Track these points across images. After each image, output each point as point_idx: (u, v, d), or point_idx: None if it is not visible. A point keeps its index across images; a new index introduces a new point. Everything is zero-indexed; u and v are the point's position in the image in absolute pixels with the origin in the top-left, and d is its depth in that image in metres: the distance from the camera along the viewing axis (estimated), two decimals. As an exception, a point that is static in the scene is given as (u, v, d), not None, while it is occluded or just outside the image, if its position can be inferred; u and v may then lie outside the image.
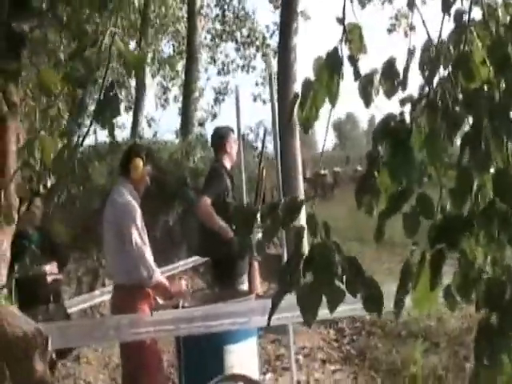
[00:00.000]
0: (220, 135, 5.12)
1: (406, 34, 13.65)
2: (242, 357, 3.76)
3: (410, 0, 1.69)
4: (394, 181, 1.55)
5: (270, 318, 1.62)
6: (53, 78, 2.20)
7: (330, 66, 1.61)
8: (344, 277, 1.50)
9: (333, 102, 1.64)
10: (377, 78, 1.64)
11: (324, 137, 1.73)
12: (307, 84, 1.65)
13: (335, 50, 1.62)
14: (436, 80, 1.59)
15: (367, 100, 1.65)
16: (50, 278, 4.59)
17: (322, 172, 23.19)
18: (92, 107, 2.56)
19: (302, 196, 8.69)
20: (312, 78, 1.64)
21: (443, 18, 1.61)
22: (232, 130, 5.20)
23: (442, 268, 1.53)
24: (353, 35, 1.63)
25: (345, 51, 1.63)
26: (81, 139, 2.48)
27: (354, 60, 1.64)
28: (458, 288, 1.55)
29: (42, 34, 2.61)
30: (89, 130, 2.36)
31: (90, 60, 2.20)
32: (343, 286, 1.50)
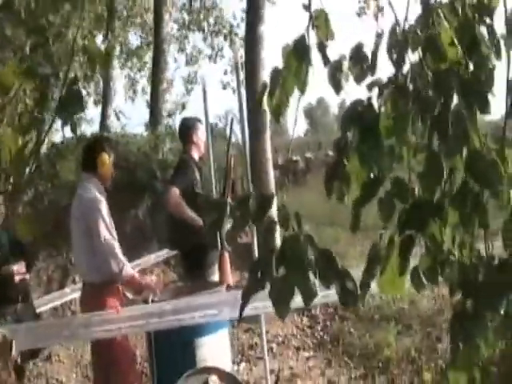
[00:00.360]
0: (187, 126, 5.06)
1: (376, 18, 13.62)
2: (214, 349, 3.72)
3: None
4: (364, 167, 1.53)
5: (240, 314, 1.59)
6: (10, 78, 2.11)
7: (297, 53, 1.59)
8: (317, 269, 1.46)
9: (302, 90, 1.62)
10: (345, 64, 1.61)
11: (294, 123, 1.70)
12: (276, 72, 1.62)
13: (302, 36, 1.59)
14: (405, 63, 1.56)
15: (337, 87, 1.62)
16: (17, 278, 4.48)
17: (294, 158, 23.23)
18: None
19: (272, 184, 8.68)
20: (280, 66, 1.61)
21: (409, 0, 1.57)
22: (199, 121, 5.14)
23: (410, 253, 1.51)
24: (319, 21, 1.60)
25: (313, 38, 1.60)
26: (43, 135, 2.40)
27: (322, 46, 1.61)
28: (425, 271, 1.54)
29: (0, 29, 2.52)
30: (51, 125, 2.28)
31: (53, 53, 2.13)
32: (316, 279, 1.46)
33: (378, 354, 5.03)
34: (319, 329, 6.04)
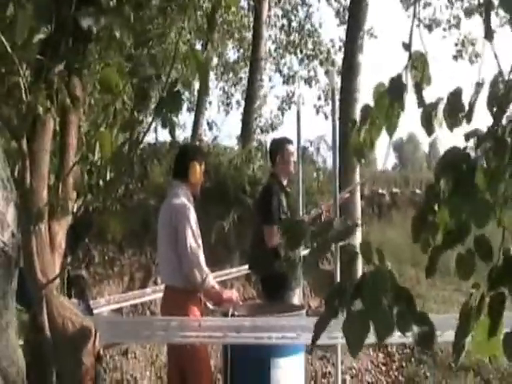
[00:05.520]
0: (276, 146, 5.02)
1: (471, 62, 13.42)
2: (289, 372, 3.70)
3: (488, 30, 1.56)
4: (455, 219, 1.46)
5: (313, 342, 1.54)
6: (114, 78, 2.20)
7: (391, 93, 1.54)
8: (395, 309, 1.40)
9: (390, 133, 1.58)
10: (441, 108, 1.56)
11: (384, 158, 1.65)
12: (365, 110, 1.58)
13: (399, 77, 1.55)
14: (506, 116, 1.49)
15: (429, 130, 1.58)
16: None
17: (380, 191, 22.78)
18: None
19: (359, 215, 8.56)
20: (371, 104, 1.57)
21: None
22: (289, 141, 5.07)
23: (502, 312, 1.43)
24: (418, 64, 1.56)
25: (408, 79, 1.56)
26: (142, 135, 2.46)
27: (418, 87, 1.57)
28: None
29: (108, 31, 2.62)
30: (150, 126, 2.34)
31: (156, 56, 2.19)
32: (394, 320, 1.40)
33: (452, 404, 4.81)
34: (394, 368, 5.86)
